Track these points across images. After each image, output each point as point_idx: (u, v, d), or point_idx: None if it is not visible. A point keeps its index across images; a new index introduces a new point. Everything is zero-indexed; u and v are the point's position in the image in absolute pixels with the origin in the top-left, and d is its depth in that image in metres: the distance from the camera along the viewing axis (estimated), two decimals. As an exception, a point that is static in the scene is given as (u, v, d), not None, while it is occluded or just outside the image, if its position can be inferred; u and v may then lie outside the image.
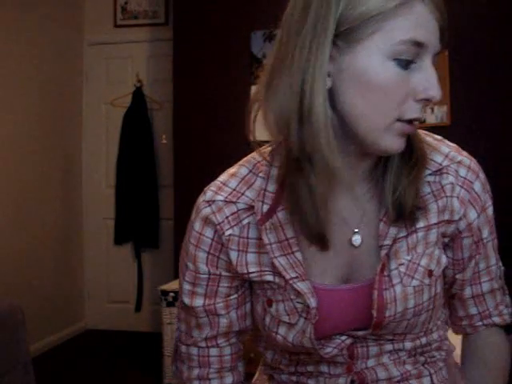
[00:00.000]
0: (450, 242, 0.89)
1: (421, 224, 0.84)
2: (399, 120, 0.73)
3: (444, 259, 0.87)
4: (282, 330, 0.85)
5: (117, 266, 4.25)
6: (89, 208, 4.30)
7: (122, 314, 4.24)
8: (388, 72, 0.71)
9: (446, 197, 0.84)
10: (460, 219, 0.86)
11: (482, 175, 0.88)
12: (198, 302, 0.89)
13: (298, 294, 0.82)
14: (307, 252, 0.83)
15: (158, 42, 4.10)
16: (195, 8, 3.53)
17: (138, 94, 4.10)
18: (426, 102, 0.73)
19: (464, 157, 0.87)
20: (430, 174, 0.84)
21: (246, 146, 3.08)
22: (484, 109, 3.10)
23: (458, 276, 0.91)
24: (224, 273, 0.87)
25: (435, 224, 0.84)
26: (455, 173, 0.85)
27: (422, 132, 0.88)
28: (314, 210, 0.76)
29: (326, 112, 0.72)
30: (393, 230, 0.82)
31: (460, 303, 0.94)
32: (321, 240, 0.79)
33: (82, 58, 4.27)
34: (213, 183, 0.88)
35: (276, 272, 0.83)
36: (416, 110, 0.73)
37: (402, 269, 0.83)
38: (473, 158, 0.88)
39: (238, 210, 0.84)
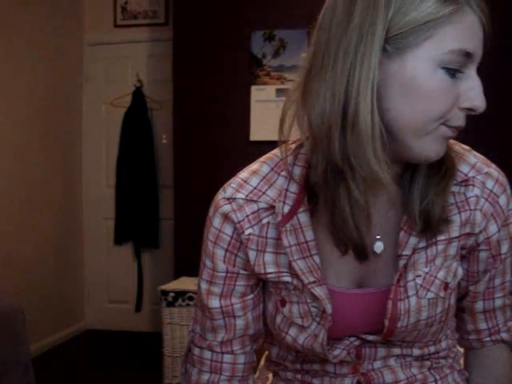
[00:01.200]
0: (466, 254, 0.87)
1: (442, 237, 0.82)
2: (443, 124, 0.72)
3: (460, 271, 0.86)
4: (292, 332, 0.85)
5: (117, 265, 4.25)
6: (89, 208, 4.30)
7: (122, 314, 4.24)
8: (437, 80, 0.69)
9: (470, 210, 0.82)
10: (480, 232, 0.84)
11: (508, 189, 0.85)
12: (215, 302, 0.87)
13: (315, 298, 0.81)
14: (325, 254, 0.82)
15: (157, 42, 4.10)
16: (195, 8, 3.53)
17: (138, 94, 4.10)
18: (470, 111, 0.72)
19: (492, 169, 0.85)
20: (455, 185, 0.82)
21: (246, 146, 3.11)
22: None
23: (470, 288, 0.90)
24: (241, 271, 0.86)
25: (456, 238, 0.83)
26: (482, 185, 0.83)
27: (450, 141, 0.84)
28: (354, 222, 0.74)
29: (374, 122, 0.69)
30: (413, 240, 0.80)
31: (470, 317, 0.93)
32: (362, 251, 0.78)
33: (82, 58, 4.27)
34: (233, 180, 0.85)
35: (294, 274, 0.82)
36: (460, 118, 0.72)
37: (419, 281, 0.81)
38: (501, 171, 0.86)
39: (259, 210, 0.82)
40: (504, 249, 0.87)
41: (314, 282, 0.81)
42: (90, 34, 4.26)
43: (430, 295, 0.81)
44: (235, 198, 0.82)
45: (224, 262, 0.85)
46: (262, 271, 0.83)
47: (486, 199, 0.83)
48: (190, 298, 3.04)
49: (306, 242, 0.81)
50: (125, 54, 4.20)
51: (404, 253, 0.80)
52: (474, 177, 0.83)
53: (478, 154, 0.87)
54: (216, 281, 0.87)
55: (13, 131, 3.52)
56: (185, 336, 3.07)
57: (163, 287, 3.10)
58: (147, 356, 3.62)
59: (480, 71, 0.74)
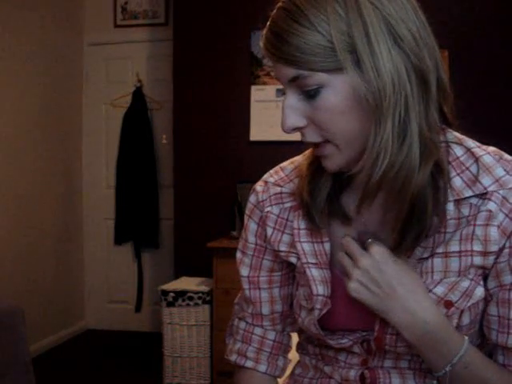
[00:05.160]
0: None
1: (439, 249, 0.79)
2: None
3: (479, 293, 0.79)
4: (303, 314, 0.89)
5: (117, 266, 4.26)
6: (89, 208, 4.30)
7: (122, 314, 4.25)
8: None
9: (475, 225, 0.77)
10: (500, 250, 0.78)
11: None
12: (244, 271, 0.95)
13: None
14: (340, 247, 0.84)
15: (157, 42, 4.10)
16: (195, 8, 3.53)
17: (138, 94, 4.10)
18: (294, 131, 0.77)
19: None
20: (474, 196, 0.78)
21: (246, 146, 3.13)
22: (484, 109, 3.10)
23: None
24: (269, 246, 0.93)
25: (456, 252, 0.78)
26: (501, 200, 0.77)
27: (486, 150, 0.81)
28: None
29: None
30: (419, 251, 0.79)
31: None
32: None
33: (82, 58, 4.27)
34: (277, 166, 0.96)
35: (298, 256, 0.88)
36: (302, 135, 0.78)
37: None
38: None
39: (282, 193, 0.91)
40: None
41: (315, 263, 0.85)
42: (90, 34, 4.26)
43: None
44: (267, 181, 0.94)
45: (255, 235, 0.94)
46: (276, 248, 0.91)
47: (507, 215, 0.77)
48: (190, 298, 3.04)
49: (319, 228, 0.85)
50: (125, 54, 4.20)
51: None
52: (494, 191, 0.77)
53: None
54: (247, 251, 0.95)
55: (13, 131, 3.52)
56: (185, 336, 3.07)
57: (163, 287, 3.10)
58: (147, 356, 3.62)
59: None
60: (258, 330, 0.96)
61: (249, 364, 0.95)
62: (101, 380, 3.31)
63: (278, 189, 0.92)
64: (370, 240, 0.81)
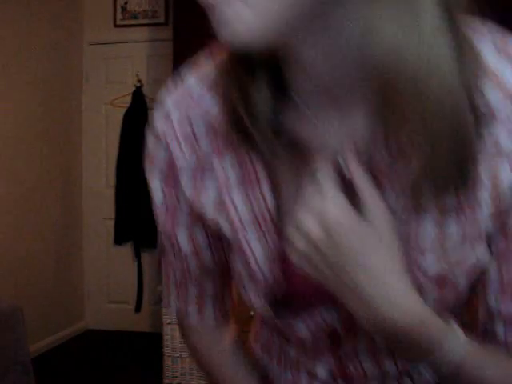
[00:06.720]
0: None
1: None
2: None
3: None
4: (246, 282, 0.63)
5: (117, 265, 4.25)
6: (89, 208, 4.30)
7: (122, 314, 4.25)
8: None
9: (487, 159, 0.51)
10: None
11: None
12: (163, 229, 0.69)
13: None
14: (287, 191, 0.58)
15: (157, 42, 4.10)
16: (195, 8, 3.51)
17: (138, 94, 4.10)
18: None
19: None
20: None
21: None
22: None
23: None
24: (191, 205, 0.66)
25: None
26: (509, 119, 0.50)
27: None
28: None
29: None
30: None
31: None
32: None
33: (82, 58, 4.27)
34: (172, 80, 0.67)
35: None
36: None
37: None
38: None
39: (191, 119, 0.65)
40: None
41: (254, 231, 0.59)
42: (89, 33, 4.26)
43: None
44: (169, 117, 0.69)
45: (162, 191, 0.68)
46: (198, 209, 0.63)
47: None
48: (190, 298, 3.03)
49: (274, 160, 0.56)
50: (125, 53, 4.20)
51: None
52: (501, 109, 0.50)
53: None
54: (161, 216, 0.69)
55: (13, 131, 3.52)
56: (185, 336, 3.07)
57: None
58: (147, 356, 3.62)
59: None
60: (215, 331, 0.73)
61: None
62: (101, 380, 3.30)
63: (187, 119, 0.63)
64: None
